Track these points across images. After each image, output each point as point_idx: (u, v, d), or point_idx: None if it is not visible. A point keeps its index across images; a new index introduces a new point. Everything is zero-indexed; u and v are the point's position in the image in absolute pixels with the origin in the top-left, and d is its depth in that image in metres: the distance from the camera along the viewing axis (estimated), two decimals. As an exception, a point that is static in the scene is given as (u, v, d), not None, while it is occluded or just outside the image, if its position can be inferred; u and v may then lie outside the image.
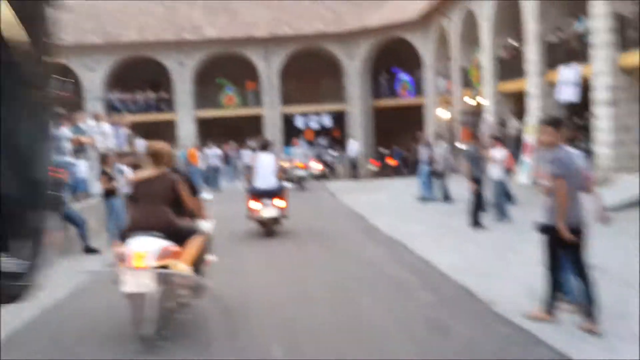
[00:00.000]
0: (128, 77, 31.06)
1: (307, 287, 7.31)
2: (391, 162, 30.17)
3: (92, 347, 5.12)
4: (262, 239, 10.89)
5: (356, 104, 32.78)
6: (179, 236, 5.27)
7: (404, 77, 31.53)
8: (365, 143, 32.46)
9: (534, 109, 18.83)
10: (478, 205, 11.28)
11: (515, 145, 20.26)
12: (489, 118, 22.71)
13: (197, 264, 5.41)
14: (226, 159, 29.04)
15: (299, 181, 21.77)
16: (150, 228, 5.12)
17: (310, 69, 33.63)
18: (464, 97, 25.90)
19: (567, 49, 17.51)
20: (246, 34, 31.64)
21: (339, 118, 33.71)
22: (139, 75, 31.04)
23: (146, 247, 4.96)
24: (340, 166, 31.72)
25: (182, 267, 5.11)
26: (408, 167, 30.06)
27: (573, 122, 17.99)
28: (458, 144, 22.65)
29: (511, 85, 21.38)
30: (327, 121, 33.10)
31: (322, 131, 33.40)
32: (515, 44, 21.09)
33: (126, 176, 10.26)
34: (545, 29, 18.38)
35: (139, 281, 4.74)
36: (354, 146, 25.65)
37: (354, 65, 32.56)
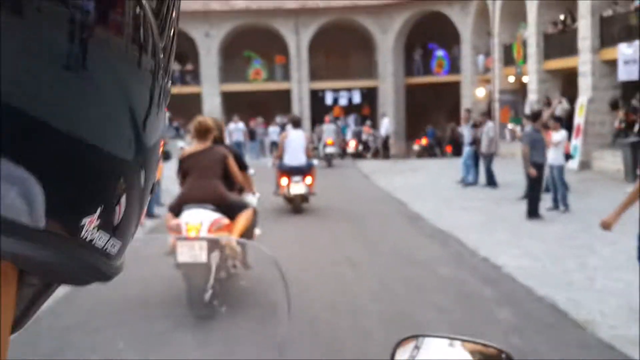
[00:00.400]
0: (153, 48, 29.89)
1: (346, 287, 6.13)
2: (423, 142, 28.73)
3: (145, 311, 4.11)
4: (290, 215, 10.92)
5: (388, 80, 31.31)
6: (230, 210, 5.41)
7: (440, 53, 29.95)
8: (396, 122, 31.10)
9: (586, 89, 17.31)
10: (537, 193, 9.97)
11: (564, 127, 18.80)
12: (533, 97, 21.20)
13: (246, 237, 5.49)
14: (251, 135, 27.89)
15: (328, 159, 21.03)
16: (203, 201, 5.27)
17: (341, 43, 32.23)
18: (505, 75, 24.36)
19: (623, 25, 15.94)
20: (275, 5, 30.23)
21: (370, 95, 32.33)
22: (164, 46, 29.85)
23: (199, 219, 5.13)
24: (374, 145, 30.40)
25: (233, 239, 5.20)
26: (441, 147, 28.68)
27: (631, 104, 16.49)
28: (511, 125, 21.15)
29: (559, 63, 19.82)
30: (357, 98, 31.70)
31: (352, 108, 32.03)
32: (565, 18, 19.48)
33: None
34: (601, 2, 16.80)
35: (193, 252, 4.77)
36: (387, 124, 24.27)
37: (387, 40, 31.03)
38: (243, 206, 5.57)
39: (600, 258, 7.13)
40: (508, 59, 24.12)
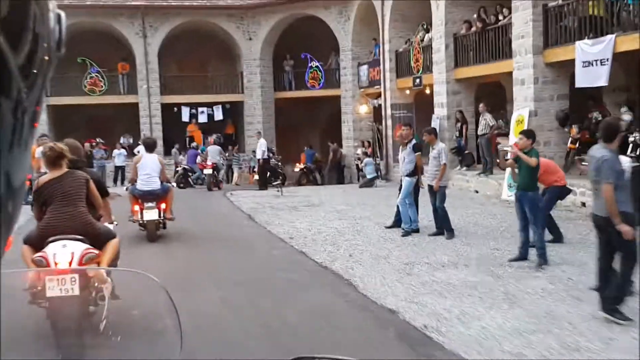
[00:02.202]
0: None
1: None
2: (300, 165, 24.13)
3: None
4: (144, 244, 9.83)
5: (255, 94, 26.48)
6: (97, 239, 5.19)
7: (314, 64, 25.65)
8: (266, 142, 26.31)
9: (524, 100, 13.62)
10: (628, 279, 5.42)
11: (486, 146, 15.03)
12: (441, 112, 17.38)
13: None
14: (88, 160, 21.71)
15: (212, 181, 19.39)
16: (70, 231, 5.02)
17: (199, 51, 26.96)
18: (398, 87, 20.49)
19: (578, 17, 12.44)
20: (117, 1, 24.36)
21: (234, 111, 27.30)
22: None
23: (69, 251, 4.90)
24: (240, 170, 25.33)
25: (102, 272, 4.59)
26: (321, 172, 24.24)
27: (590, 118, 12.99)
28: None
29: (477, 70, 16.14)
30: (219, 114, 26.49)
31: (212, 125, 26.77)
32: (484, 14, 15.84)
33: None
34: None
35: (64, 285, 4.42)
36: (263, 146, 19.34)
37: (252, 48, 26.22)
38: (110, 235, 5.39)
39: None
40: (401, 69, 20.31)
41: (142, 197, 9.98)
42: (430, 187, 10.11)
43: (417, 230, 10.21)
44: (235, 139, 27.53)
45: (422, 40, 18.83)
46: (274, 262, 8.72)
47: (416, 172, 10.28)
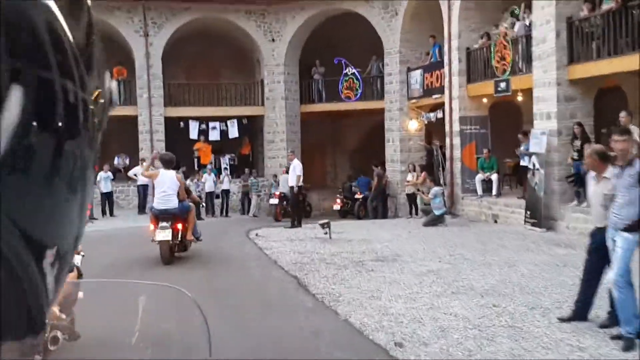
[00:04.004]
0: None
1: None
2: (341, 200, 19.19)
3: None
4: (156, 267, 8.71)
5: (278, 107, 21.71)
6: None
7: (351, 70, 20.88)
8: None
9: None
10: None
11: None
12: (545, 126, 12.52)
13: (65, 305, 3.49)
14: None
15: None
16: None
17: (212, 55, 22.29)
18: (470, 96, 15.68)
19: None
20: (113, -9, 19.73)
21: (251, 127, 22.51)
22: None
23: None
24: (259, 198, 20.50)
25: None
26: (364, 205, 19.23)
27: None
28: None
29: (600, 67, 11.33)
30: (235, 131, 21.65)
31: (225, 144, 21.97)
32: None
33: None
34: None
35: None
36: (298, 169, 14.32)
37: (276, 51, 21.52)
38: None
39: None
40: (475, 72, 15.53)
41: (159, 217, 9.28)
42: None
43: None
44: (253, 160, 22.69)
45: (511, 28, 14.04)
46: None
47: (640, 222, 5.31)
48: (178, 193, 9.35)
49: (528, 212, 12.58)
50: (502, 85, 14.01)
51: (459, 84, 15.63)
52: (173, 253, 9.32)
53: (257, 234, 12.39)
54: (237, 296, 7.34)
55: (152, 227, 9.34)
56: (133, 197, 19.90)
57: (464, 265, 8.67)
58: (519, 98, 13.76)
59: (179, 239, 9.36)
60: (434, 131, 19.29)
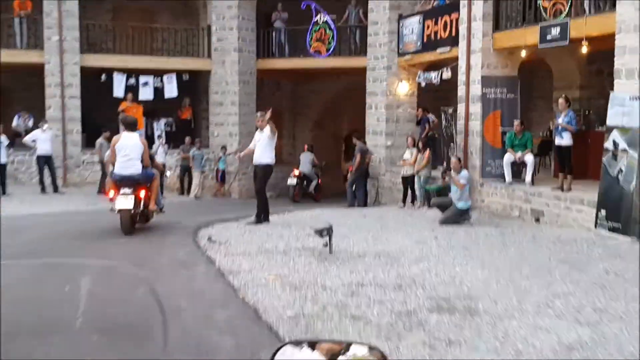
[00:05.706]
0: None
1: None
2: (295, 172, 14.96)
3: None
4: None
5: (229, 61, 17.09)
6: None
7: (323, 17, 16.44)
8: (241, 134, 17.01)
9: None
10: None
11: None
12: (630, 88, 8.59)
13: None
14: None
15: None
16: None
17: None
18: (496, 47, 11.59)
19: None
20: None
21: (192, 85, 17.83)
22: None
23: None
24: (202, 174, 16.04)
25: None
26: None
27: None
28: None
29: None
30: (173, 89, 16.88)
31: (160, 105, 17.21)
32: None
33: None
34: None
35: None
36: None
37: (228, -10, 16.82)
38: None
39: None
40: (506, 17, 11.49)
41: (120, 183, 8.46)
42: None
43: None
44: (195, 127, 18.04)
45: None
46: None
47: None
48: (142, 159, 8.57)
49: (602, 211, 8.67)
50: (555, 31, 9.96)
51: (483, 32, 11.50)
52: (134, 223, 8.59)
53: (210, 238, 7.96)
54: None
55: (112, 193, 8.58)
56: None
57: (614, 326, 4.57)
58: (584, 49, 9.72)
59: (142, 207, 8.65)
60: (426, 98, 15.27)
